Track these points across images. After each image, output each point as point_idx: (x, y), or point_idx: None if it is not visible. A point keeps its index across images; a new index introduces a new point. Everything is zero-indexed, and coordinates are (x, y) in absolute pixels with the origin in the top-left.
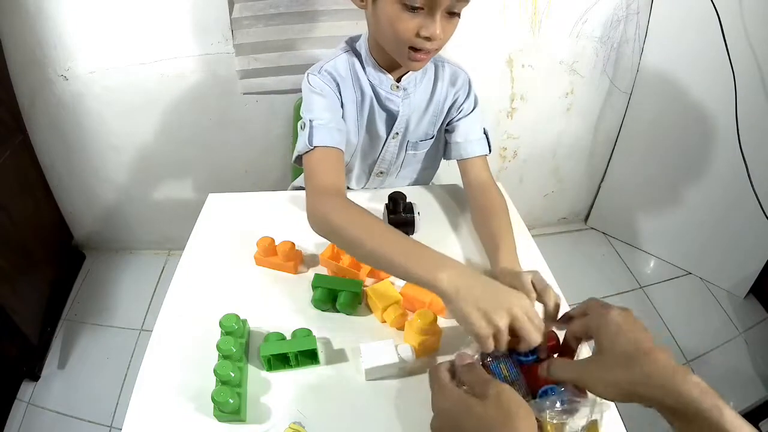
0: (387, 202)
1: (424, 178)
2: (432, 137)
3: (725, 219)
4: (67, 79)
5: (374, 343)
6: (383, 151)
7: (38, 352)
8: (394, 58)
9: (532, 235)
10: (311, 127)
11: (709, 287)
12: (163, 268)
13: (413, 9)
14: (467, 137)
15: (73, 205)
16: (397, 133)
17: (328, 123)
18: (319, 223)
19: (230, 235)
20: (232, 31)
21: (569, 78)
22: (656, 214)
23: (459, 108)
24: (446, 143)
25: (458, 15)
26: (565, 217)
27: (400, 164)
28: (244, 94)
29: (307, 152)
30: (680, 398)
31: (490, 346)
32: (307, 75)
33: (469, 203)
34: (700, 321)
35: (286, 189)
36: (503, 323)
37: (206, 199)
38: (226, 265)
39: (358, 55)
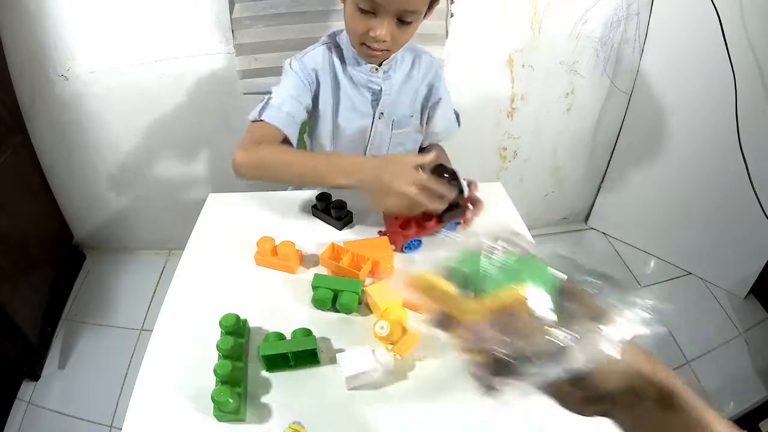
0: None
1: None
2: (412, 115)
3: (725, 219)
4: (67, 79)
5: (350, 350)
6: (373, 132)
7: (38, 352)
8: (355, 49)
9: (533, 235)
10: (267, 102)
11: (709, 287)
12: (163, 268)
13: (365, 12)
14: (447, 121)
15: (73, 205)
16: (382, 113)
17: (282, 104)
18: (248, 161)
19: (230, 235)
20: (233, 31)
21: (569, 78)
22: (656, 214)
23: (438, 94)
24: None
25: (410, 23)
26: (565, 217)
27: (387, 146)
28: (244, 94)
29: (254, 121)
30: None
31: (428, 202)
32: (291, 59)
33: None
34: (700, 321)
35: (286, 189)
36: (411, 189)
37: (206, 199)
38: (226, 265)
39: (337, 47)
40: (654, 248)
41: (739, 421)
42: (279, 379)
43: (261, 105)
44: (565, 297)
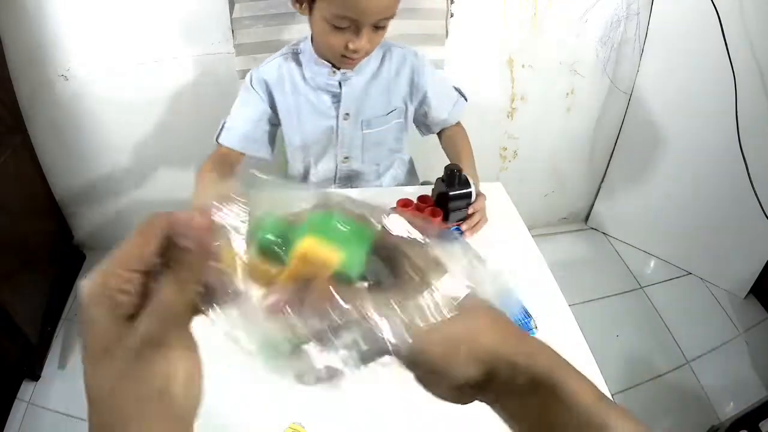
0: (442, 175)
1: (391, 162)
2: (389, 113)
3: (725, 219)
4: (67, 79)
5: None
6: (340, 135)
7: (38, 352)
8: (330, 60)
9: (532, 235)
10: (222, 126)
11: (709, 287)
12: None
13: (340, 28)
14: (449, 103)
15: (73, 205)
16: (347, 114)
17: (236, 126)
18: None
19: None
20: (233, 31)
21: (569, 78)
22: (656, 214)
23: (422, 86)
24: (425, 122)
25: (385, 26)
26: (565, 217)
27: (360, 146)
28: None
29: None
30: None
31: None
32: (252, 71)
33: (441, 136)
34: (700, 321)
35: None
36: None
37: None
38: None
39: (296, 56)
40: (654, 248)
41: (739, 421)
42: (279, 379)
43: (219, 128)
44: (384, 255)
